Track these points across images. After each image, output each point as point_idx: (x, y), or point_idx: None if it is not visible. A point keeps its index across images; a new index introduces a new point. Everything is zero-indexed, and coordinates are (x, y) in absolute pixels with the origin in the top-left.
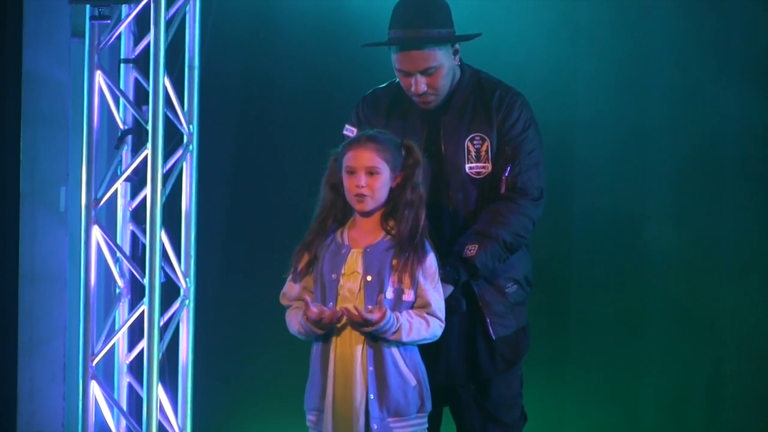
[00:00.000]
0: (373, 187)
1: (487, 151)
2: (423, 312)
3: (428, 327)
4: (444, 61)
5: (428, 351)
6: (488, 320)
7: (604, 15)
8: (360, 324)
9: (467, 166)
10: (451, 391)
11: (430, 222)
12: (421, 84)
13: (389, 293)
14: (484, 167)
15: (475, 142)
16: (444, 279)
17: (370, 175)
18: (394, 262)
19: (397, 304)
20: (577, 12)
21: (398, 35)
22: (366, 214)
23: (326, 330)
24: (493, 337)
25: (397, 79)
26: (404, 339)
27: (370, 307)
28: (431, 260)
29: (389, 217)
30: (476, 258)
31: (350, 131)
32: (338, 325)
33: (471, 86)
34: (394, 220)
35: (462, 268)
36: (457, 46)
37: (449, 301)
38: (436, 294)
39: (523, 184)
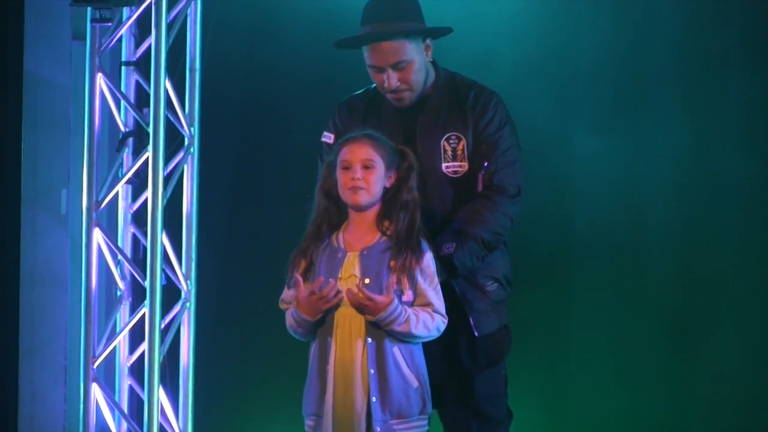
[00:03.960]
0: (368, 180)
1: (463, 150)
2: (426, 309)
3: (433, 321)
4: (415, 55)
5: None
6: (471, 318)
7: (603, 12)
8: (365, 308)
9: (444, 165)
10: (437, 392)
11: None
12: (393, 79)
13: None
14: (460, 166)
15: (451, 141)
16: None
17: (365, 168)
18: (392, 263)
19: None
20: (577, 9)
21: (368, 30)
22: (360, 209)
23: (319, 315)
24: (476, 335)
25: (373, 85)
26: (413, 331)
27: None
28: (428, 259)
29: (384, 218)
30: (454, 256)
31: (328, 138)
32: (335, 304)
33: (446, 87)
34: (390, 221)
35: (441, 268)
36: (428, 41)
37: None
38: (434, 293)
39: (500, 182)
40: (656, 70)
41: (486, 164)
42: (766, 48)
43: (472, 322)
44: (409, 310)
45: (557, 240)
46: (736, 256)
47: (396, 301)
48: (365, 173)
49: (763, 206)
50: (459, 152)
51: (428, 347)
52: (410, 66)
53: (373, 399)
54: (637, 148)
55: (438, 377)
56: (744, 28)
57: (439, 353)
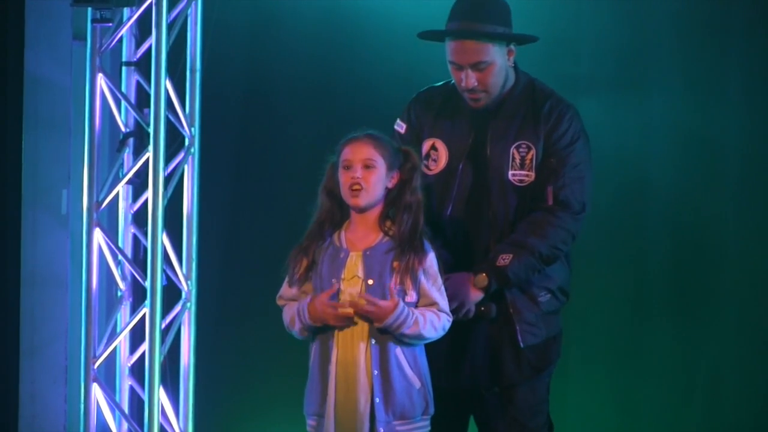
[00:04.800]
0: (368, 180)
1: (532, 159)
2: (432, 308)
3: (439, 320)
4: (497, 58)
5: (453, 354)
6: (517, 328)
7: (604, 10)
8: (371, 315)
9: (510, 172)
10: (476, 396)
11: (467, 226)
12: (471, 78)
13: (392, 296)
14: (527, 176)
15: (521, 149)
16: (475, 285)
17: (366, 168)
18: (395, 264)
19: None
20: (578, 8)
21: (454, 27)
22: (361, 211)
23: (321, 324)
24: (521, 345)
25: (453, 80)
26: (423, 332)
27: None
28: (431, 260)
29: (386, 218)
30: (509, 268)
31: (400, 127)
32: (339, 328)
33: (524, 94)
34: (392, 222)
35: (494, 277)
36: (512, 47)
37: (478, 307)
38: (438, 292)
39: (565, 197)
40: (657, 38)
41: (553, 178)
42: (766, 18)
43: (518, 334)
44: (416, 312)
45: None
46: (736, 253)
47: (401, 303)
48: (366, 173)
49: (764, 195)
50: (527, 161)
51: (473, 353)
52: (490, 68)
53: (377, 400)
54: (637, 115)
55: (480, 382)
56: (745, 32)
57: (484, 359)
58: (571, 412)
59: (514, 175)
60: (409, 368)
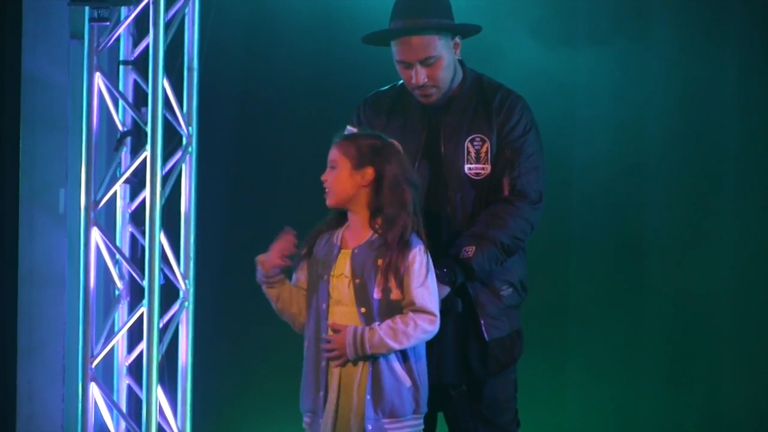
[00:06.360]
0: (330, 181)
1: (486, 152)
2: (408, 311)
3: (416, 327)
4: (444, 52)
5: None
6: (482, 322)
7: (602, 13)
8: (338, 352)
9: (466, 166)
10: (444, 394)
11: (428, 222)
12: (421, 75)
13: (377, 293)
14: (483, 168)
15: (475, 143)
16: (440, 280)
17: (331, 169)
18: (379, 261)
19: (386, 303)
20: (576, 11)
21: (398, 25)
22: (332, 209)
23: (264, 278)
24: (486, 339)
25: (400, 82)
26: (395, 346)
27: (329, 334)
28: (414, 255)
29: (377, 216)
30: (473, 260)
31: (351, 132)
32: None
33: (473, 88)
34: (382, 219)
35: (459, 270)
36: (457, 39)
37: (445, 302)
38: (421, 289)
39: (522, 187)
40: (655, 71)
41: (509, 169)
42: None
43: (483, 327)
44: (379, 329)
45: (555, 243)
46: (735, 255)
47: (350, 331)
48: (330, 174)
49: (762, 194)
50: (482, 154)
51: (439, 349)
52: (439, 62)
53: (368, 397)
54: (634, 70)
55: (446, 378)
56: (743, 32)
57: (452, 354)
58: (570, 411)
59: (470, 168)
60: (399, 366)
